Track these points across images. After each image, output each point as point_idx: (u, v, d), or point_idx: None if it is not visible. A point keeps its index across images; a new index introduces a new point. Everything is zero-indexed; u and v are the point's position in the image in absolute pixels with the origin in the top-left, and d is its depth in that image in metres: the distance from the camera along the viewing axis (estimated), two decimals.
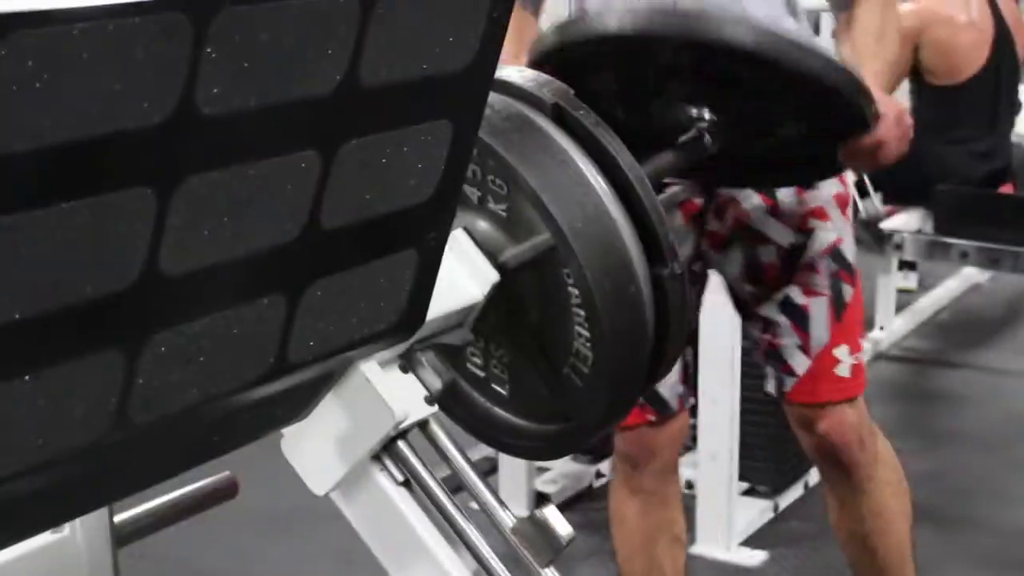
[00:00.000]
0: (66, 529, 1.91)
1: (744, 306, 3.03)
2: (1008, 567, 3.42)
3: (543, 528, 1.80)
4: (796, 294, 2.86)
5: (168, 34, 1.23)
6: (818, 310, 2.84)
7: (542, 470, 3.78)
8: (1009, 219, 4.72)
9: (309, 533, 3.01)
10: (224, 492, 2.33)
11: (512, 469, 3.62)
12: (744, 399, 3.51)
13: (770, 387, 2.90)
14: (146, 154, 1.26)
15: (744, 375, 3.49)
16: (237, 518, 3.47)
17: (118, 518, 2.01)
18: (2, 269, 1.20)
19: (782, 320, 2.87)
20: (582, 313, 1.83)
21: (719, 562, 3.41)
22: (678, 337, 1.92)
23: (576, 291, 1.82)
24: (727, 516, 3.45)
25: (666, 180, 2.49)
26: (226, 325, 1.47)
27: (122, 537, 2.04)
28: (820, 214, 2.85)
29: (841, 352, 2.83)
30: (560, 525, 1.80)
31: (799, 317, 2.85)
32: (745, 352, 3.51)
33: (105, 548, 1.99)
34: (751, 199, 2.89)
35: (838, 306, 2.84)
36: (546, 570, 1.83)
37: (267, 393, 1.61)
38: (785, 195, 2.86)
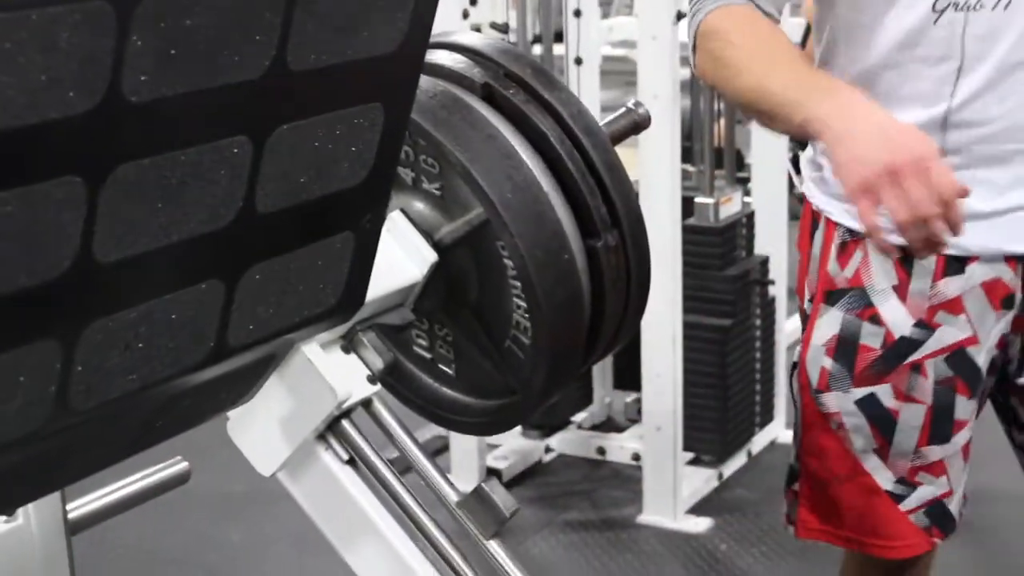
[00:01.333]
0: (19, 517, 1.90)
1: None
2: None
3: (487, 502, 1.81)
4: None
5: (92, 22, 1.23)
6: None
7: (493, 447, 3.78)
8: None
9: (262, 515, 3.01)
10: (177, 478, 2.32)
11: (463, 447, 3.62)
12: (688, 371, 3.50)
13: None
14: (74, 143, 1.26)
15: (687, 348, 3.48)
16: (191, 503, 3.48)
17: (71, 506, 2.00)
18: None
19: None
20: (518, 284, 1.84)
21: (666, 530, 3.42)
22: (615, 306, 1.92)
23: (511, 263, 1.83)
24: (673, 485, 3.46)
25: None
26: (163, 311, 1.47)
27: (76, 524, 2.04)
28: None
29: None
30: (503, 499, 1.81)
31: None
32: (690, 327, 3.52)
33: (59, 535, 1.98)
34: None
35: None
36: (491, 542, 1.83)
37: (209, 377, 1.61)
38: None
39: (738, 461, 3.77)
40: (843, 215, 2.04)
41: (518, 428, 3.79)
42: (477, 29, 3.89)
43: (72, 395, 1.39)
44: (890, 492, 2.04)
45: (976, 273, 1.99)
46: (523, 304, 1.83)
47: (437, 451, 3.62)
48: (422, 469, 1.84)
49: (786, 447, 3.78)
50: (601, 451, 3.84)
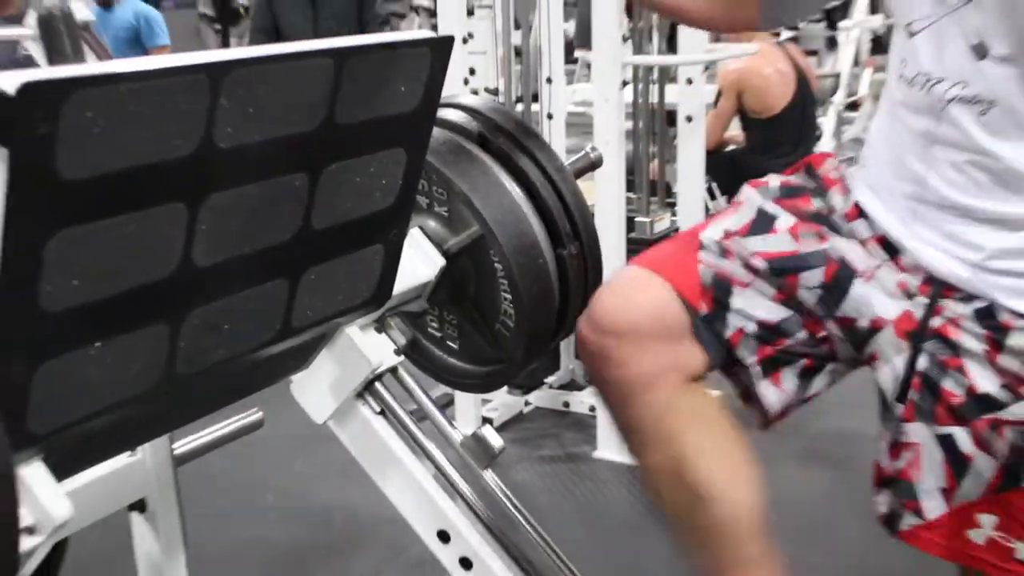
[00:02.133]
0: (139, 453, 1.90)
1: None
2: (820, 457, 3.43)
3: (482, 442, 1.81)
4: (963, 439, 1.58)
5: (193, 89, 1.22)
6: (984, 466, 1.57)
7: (486, 401, 3.77)
8: None
9: (317, 452, 2.99)
10: (254, 424, 2.32)
11: (465, 402, 3.61)
12: None
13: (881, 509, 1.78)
14: (178, 178, 1.25)
15: None
16: (264, 442, 3.48)
17: (176, 444, 2.00)
18: (79, 265, 1.19)
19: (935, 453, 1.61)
20: (505, 282, 1.83)
21: (614, 463, 3.42)
22: (577, 298, 1.91)
23: (500, 267, 1.82)
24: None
25: None
26: (244, 302, 1.46)
27: (180, 458, 2.03)
28: None
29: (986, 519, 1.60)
30: (494, 439, 1.81)
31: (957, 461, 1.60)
32: None
33: (167, 467, 1.97)
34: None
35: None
36: (485, 472, 1.83)
37: (278, 351, 1.60)
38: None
39: None
40: None
41: (505, 388, 3.79)
42: (475, 92, 3.90)
43: (178, 364, 1.38)
44: (704, 240, 1.73)
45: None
46: (509, 297, 1.83)
47: (445, 404, 3.59)
48: (434, 418, 1.84)
49: None
50: (566, 404, 3.83)
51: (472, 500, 1.79)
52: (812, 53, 8.10)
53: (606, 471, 3.38)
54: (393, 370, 1.81)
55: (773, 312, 1.67)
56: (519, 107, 3.90)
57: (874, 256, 1.65)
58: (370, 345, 1.75)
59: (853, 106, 8.27)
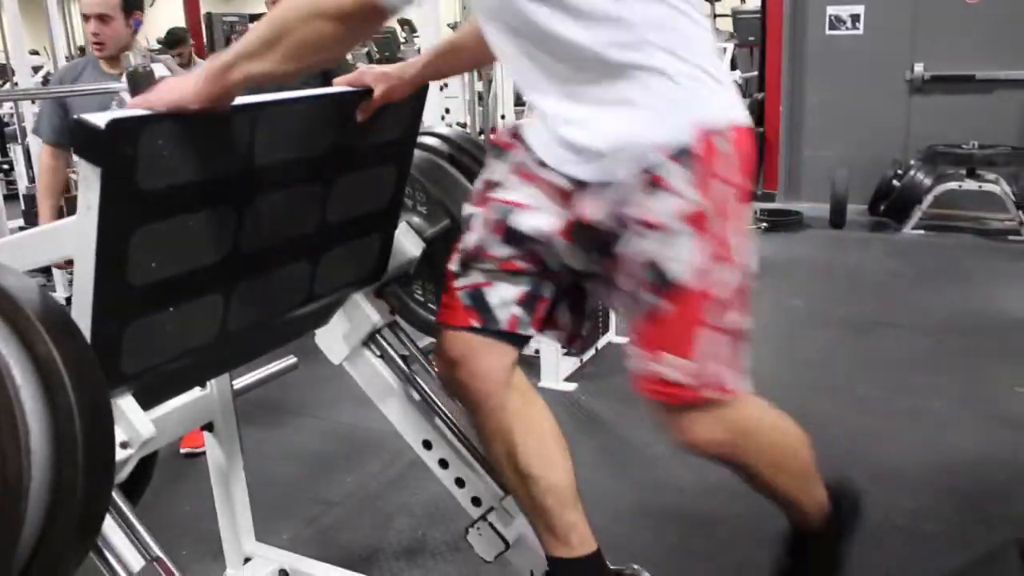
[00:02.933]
0: (207, 388, 1.87)
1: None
2: None
3: None
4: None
5: (235, 123, 1.20)
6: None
7: None
8: None
9: (338, 385, 2.94)
10: (290, 367, 2.29)
11: None
12: None
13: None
14: (227, 187, 1.24)
15: None
16: (298, 381, 3.45)
17: (235, 381, 1.97)
18: (155, 251, 1.17)
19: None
20: None
21: (553, 389, 3.40)
22: None
23: None
24: (556, 365, 3.44)
25: None
26: (280, 277, 1.45)
27: (238, 392, 2.00)
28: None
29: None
30: None
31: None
32: None
33: (228, 398, 1.95)
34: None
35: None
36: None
37: (306, 311, 1.59)
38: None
39: (590, 353, 3.75)
40: None
41: None
42: (449, 125, 3.88)
43: (230, 323, 1.37)
44: (452, 271, 1.53)
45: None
46: None
47: (430, 351, 3.54)
48: (419, 360, 1.83)
49: (617, 345, 3.83)
50: None
51: (448, 418, 1.78)
52: None
53: (546, 395, 3.32)
54: (391, 325, 1.80)
55: (520, 286, 1.49)
56: (481, 136, 3.88)
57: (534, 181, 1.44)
58: (372, 307, 1.74)
59: None
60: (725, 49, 8.62)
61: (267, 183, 1.30)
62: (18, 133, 5.06)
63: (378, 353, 1.78)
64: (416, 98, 1.55)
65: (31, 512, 0.91)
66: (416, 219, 1.84)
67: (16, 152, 5.25)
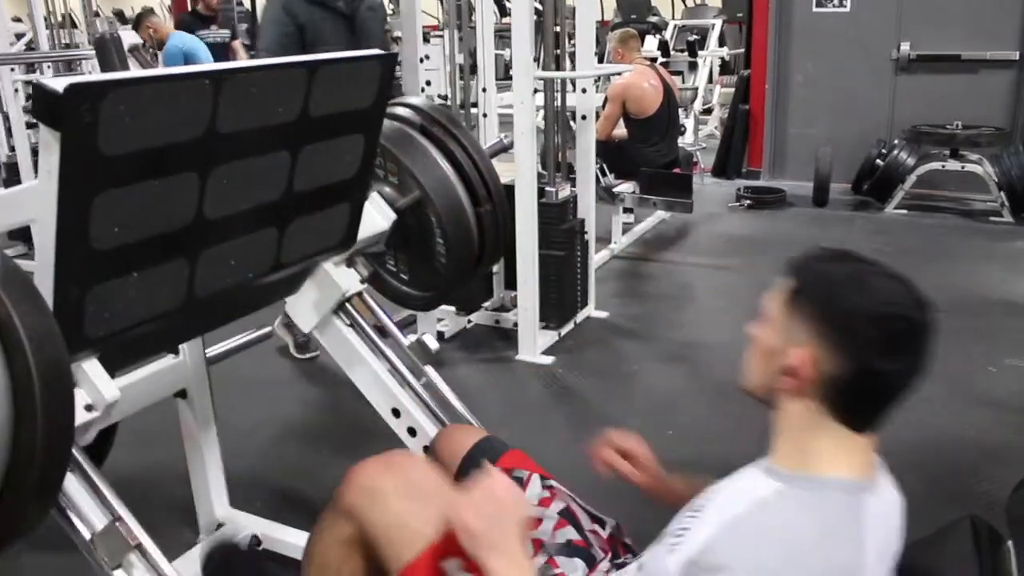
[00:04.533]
0: (181, 355, 1.89)
1: None
2: (677, 360, 3.44)
3: (423, 345, 1.82)
4: None
5: (199, 90, 1.21)
6: None
7: (440, 319, 3.74)
8: (675, 185, 4.77)
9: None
10: (264, 336, 2.32)
11: (424, 320, 3.59)
12: (541, 279, 3.40)
13: None
14: (190, 154, 1.24)
15: (541, 266, 3.42)
16: (272, 350, 3.47)
17: (208, 349, 1.99)
18: (118, 216, 1.18)
19: None
20: (439, 231, 1.83)
21: (530, 362, 3.42)
22: (490, 243, 1.90)
23: (435, 220, 1.82)
24: (534, 339, 3.45)
25: None
26: (245, 244, 1.46)
27: (211, 359, 2.02)
28: None
29: None
30: (432, 343, 1.82)
31: None
32: (543, 256, 3.50)
33: (201, 365, 1.97)
34: None
35: None
36: (427, 367, 1.84)
37: (274, 279, 1.60)
38: None
39: (568, 327, 3.76)
40: None
41: (453, 308, 3.79)
42: (430, 98, 3.87)
43: (196, 289, 1.38)
44: None
45: None
46: (441, 242, 1.84)
47: (409, 323, 3.57)
48: (388, 328, 1.85)
49: (596, 319, 3.87)
50: (497, 321, 3.81)
51: (415, 387, 1.80)
52: (677, 73, 8.09)
53: (523, 368, 3.39)
54: (359, 294, 1.81)
55: None
56: (462, 110, 3.88)
57: None
58: (341, 276, 1.75)
59: (707, 111, 8.34)
60: (713, 25, 8.64)
61: (231, 150, 1.31)
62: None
63: (348, 322, 1.79)
64: (384, 67, 1.55)
65: None
66: (387, 189, 1.85)
67: None
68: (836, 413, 1.12)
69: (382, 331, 1.85)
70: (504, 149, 2.25)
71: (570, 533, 1.37)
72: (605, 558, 1.36)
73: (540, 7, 3.67)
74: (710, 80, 8.43)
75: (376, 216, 1.80)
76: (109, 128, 1.08)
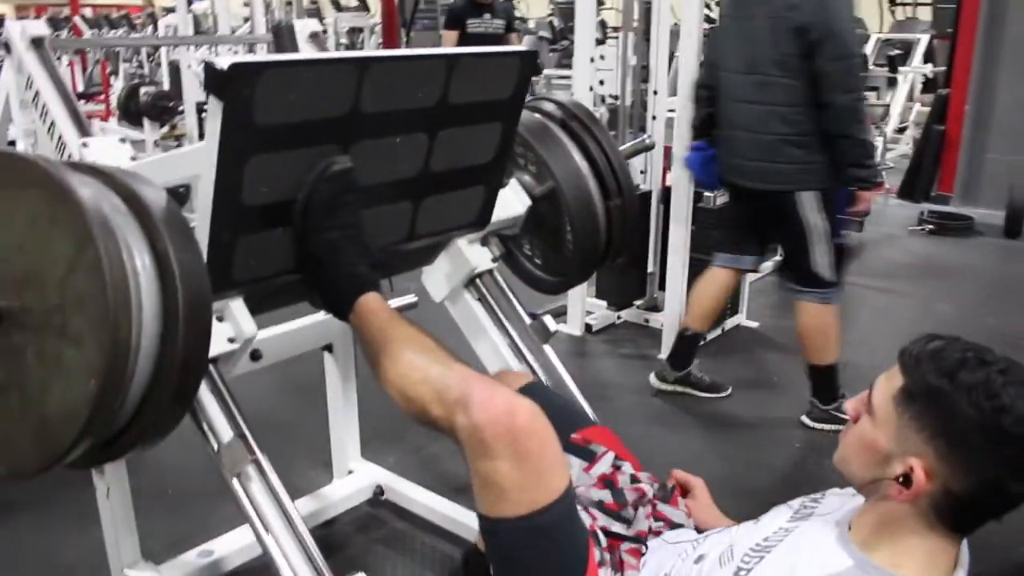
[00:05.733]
0: None
1: None
2: None
3: (542, 325, 1.94)
4: None
5: (346, 74, 1.38)
6: None
7: (590, 313, 3.81)
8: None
9: (437, 320, 3.16)
10: (410, 305, 2.50)
11: (573, 310, 3.67)
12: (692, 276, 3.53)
13: None
14: (335, 129, 1.42)
15: (691, 274, 3.48)
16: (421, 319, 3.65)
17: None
18: (267, 178, 1.37)
19: None
20: (568, 220, 1.92)
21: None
22: (618, 236, 1.97)
23: (565, 209, 1.92)
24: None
25: None
26: (381, 214, 1.62)
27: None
28: None
29: None
30: (551, 324, 1.94)
31: None
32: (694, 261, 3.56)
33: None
34: None
35: None
36: (545, 346, 1.95)
37: (409, 248, 1.74)
38: None
39: (716, 333, 3.71)
40: None
41: (604, 303, 3.88)
42: (603, 98, 3.96)
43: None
44: None
45: None
46: (570, 230, 1.94)
47: (560, 313, 3.67)
48: (514, 305, 1.97)
49: (746, 328, 3.81)
50: (646, 320, 3.85)
51: (530, 362, 1.92)
52: (873, 89, 7.80)
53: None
54: (490, 272, 1.95)
55: None
56: (631, 109, 3.95)
57: None
58: (473, 253, 1.90)
59: (901, 130, 8.00)
60: (919, 40, 8.25)
61: (372, 129, 1.47)
62: None
63: (476, 296, 1.94)
64: (526, 61, 1.67)
65: (138, 373, 1.13)
66: (526, 177, 1.97)
67: None
68: (942, 519, 1.07)
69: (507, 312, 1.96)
70: (646, 149, 2.32)
71: (604, 495, 1.43)
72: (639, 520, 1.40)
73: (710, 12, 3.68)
74: (910, 98, 8.08)
75: (513, 201, 1.91)
76: (264, 102, 1.27)
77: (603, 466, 1.48)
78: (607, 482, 1.46)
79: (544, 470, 1.19)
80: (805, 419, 2.97)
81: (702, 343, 3.58)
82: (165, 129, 7.58)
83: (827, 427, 2.91)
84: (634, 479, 1.48)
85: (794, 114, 2.61)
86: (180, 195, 1.35)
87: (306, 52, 1.99)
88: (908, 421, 1.05)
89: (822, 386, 2.95)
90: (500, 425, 1.18)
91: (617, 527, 1.39)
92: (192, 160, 1.34)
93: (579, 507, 1.34)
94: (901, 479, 1.06)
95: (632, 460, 1.55)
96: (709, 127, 2.96)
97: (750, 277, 3.88)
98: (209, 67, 1.20)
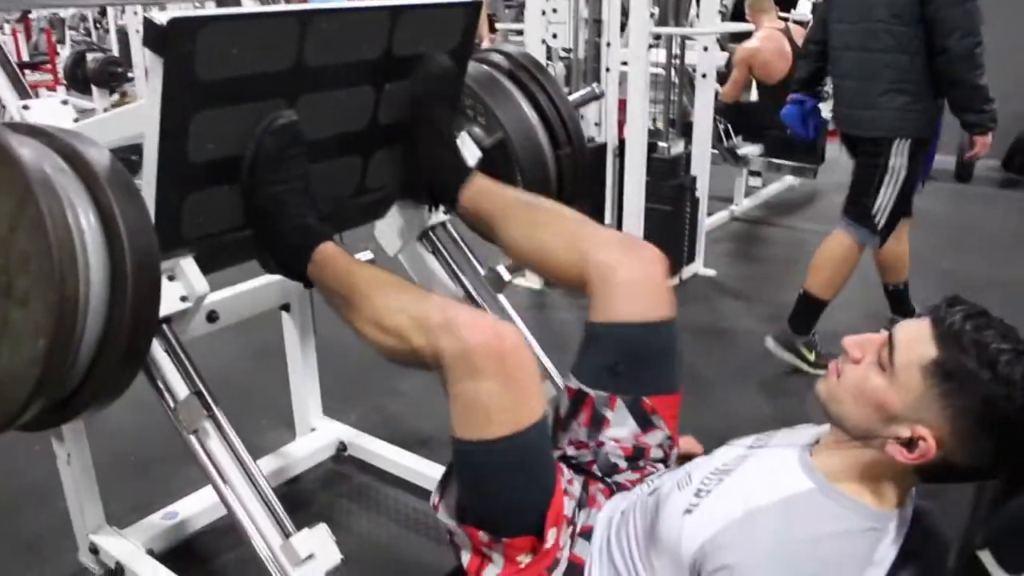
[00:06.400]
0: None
1: None
2: (775, 321, 3.41)
3: (497, 275, 1.95)
4: None
5: (287, 26, 1.37)
6: None
7: None
8: (802, 151, 4.69)
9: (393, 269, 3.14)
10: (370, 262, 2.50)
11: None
12: (647, 233, 3.46)
13: None
14: (280, 82, 1.41)
15: (648, 221, 3.48)
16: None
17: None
18: (213, 134, 1.36)
19: None
20: (519, 171, 1.93)
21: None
22: (568, 183, 1.98)
23: (516, 159, 1.93)
24: None
25: None
26: (330, 168, 1.62)
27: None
28: None
29: None
30: (505, 274, 1.95)
31: None
32: (650, 210, 3.56)
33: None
34: None
35: None
36: (499, 295, 1.97)
37: (361, 202, 1.74)
38: None
39: (673, 282, 3.78)
40: None
41: None
42: (558, 51, 3.94)
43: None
44: None
45: None
46: (521, 180, 1.94)
47: (515, 269, 3.65)
48: (468, 257, 1.98)
49: (703, 277, 3.89)
50: None
51: (487, 311, 1.93)
52: None
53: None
54: (443, 225, 1.96)
55: None
56: (585, 62, 3.94)
57: None
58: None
59: None
60: None
61: (318, 82, 1.46)
62: None
63: (430, 249, 1.95)
64: (468, 14, 1.67)
65: (88, 332, 1.14)
66: (476, 129, 1.97)
67: None
68: (921, 474, 1.10)
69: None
70: (595, 98, 2.33)
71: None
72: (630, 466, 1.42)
73: None
74: None
75: (463, 153, 1.92)
76: (205, 57, 1.26)
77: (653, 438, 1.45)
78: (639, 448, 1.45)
79: (526, 392, 1.21)
80: (769, 340, 3.03)
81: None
82: (116, 97, 7.43)
83: (785, 356, 2.98)
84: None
85: (900, 61, 2.62)
86: (132, 163, 1.33)
87: (248, 6, 1.97)
88: (935, 396, 1.06)
89: (803, 315, 3.00)
90: (489, 346, 1.18)
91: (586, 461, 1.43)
92: (135, 119, 1.33)
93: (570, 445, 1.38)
94: (904, 442, 1.07)
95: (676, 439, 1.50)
96: (815, 82, 3.00)
97: (705, 225, 3.94)
98: (148, 23, 1.19)
